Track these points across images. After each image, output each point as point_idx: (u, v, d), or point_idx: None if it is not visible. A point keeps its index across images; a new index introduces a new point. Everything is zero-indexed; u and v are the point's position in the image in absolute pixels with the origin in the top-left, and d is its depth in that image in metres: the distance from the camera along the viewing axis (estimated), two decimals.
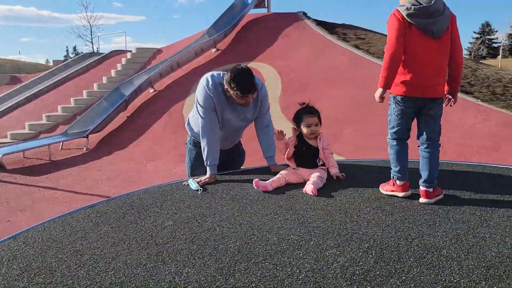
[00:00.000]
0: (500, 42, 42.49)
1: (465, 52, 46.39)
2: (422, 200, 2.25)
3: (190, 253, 1.77)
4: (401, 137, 2.33)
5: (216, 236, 1.93)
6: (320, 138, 2.75)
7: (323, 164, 2.74)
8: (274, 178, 2.68)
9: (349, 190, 2.49)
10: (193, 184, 2.73)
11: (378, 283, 1.45)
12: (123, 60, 14.65)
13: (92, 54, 18.45)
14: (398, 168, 2.32)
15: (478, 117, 6.48)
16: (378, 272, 1.52)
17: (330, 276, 1.52)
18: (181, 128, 9.24)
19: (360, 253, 1.67)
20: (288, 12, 14.63)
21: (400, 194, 2.31)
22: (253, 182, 2.61)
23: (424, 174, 2.27)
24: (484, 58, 44.54)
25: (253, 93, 2.79)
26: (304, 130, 2.73)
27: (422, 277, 1.46)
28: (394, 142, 2.34)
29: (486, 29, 50.49)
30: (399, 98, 2.25)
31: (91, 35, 36.66)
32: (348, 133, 7.17)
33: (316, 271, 1.56)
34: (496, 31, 50.35)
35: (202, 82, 2.89)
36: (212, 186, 2.73)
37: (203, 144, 2.88)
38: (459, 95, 6.62)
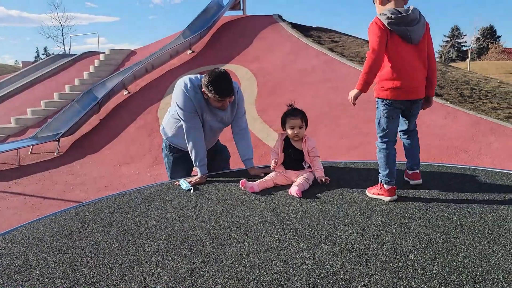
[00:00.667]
0: (469, 46, 43.95)
1: (436, 54, 47.73)
2: (414, 182, 2.52)
3: (165, 253, 1.80)
4: (392, 139, 2.41)
5: (194, 237, 1.96)
6: (305, 141, 2.76)
7: (310, 167, 2.75)
8: (262, 179, 2.70)
9: (334, 192, 2.53)
10: (184, 184, 2.75)
11: (340, 287, 1.46)
12: (96, 62, 14.36)
13: (63, 55, 18.01)
14: (387, 172, 2.36)
15: (448, 118, 6.67)
16: (342, 276, 1.53)
17: (295, 278, 1.53)
18: (156, 131, 9.13)
19: (330, 256, 1.69)
20: (263, 15, 14.69)
21: (387, 198, 2.33)
22: (240, 182, 2.63)
23: (413, 159, 2.53)
24: (454, 61, 45.93)
25: (230, 97, 2.81)
26: (289, 132, 2.75)
27: (384, 282, 1.48)
28: (384, 146, 2.40)
29: (455, 33, 52.06)
30: (390, 101, 2.33)
31: (63, 36, 35.80)
32: (321, 134, 7.25)
33: (283, 273, 1.58)
34: (465, 35, 51.96)
35: (179, 85, 2.88)
36: (202, 186, 2.79)
37: (190, 146, 2.88)
38: None
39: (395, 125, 2.41)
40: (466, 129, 6.28)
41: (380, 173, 2.39)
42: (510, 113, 6.79)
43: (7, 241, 2.03)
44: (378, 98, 2.38)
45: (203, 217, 2.21)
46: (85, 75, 13.66)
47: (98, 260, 1.76)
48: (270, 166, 2.84)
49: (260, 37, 12.60)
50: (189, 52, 13.01)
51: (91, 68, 14.01)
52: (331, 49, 10.76)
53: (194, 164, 2.89)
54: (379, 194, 2.38)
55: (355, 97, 2.35)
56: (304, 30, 12.61)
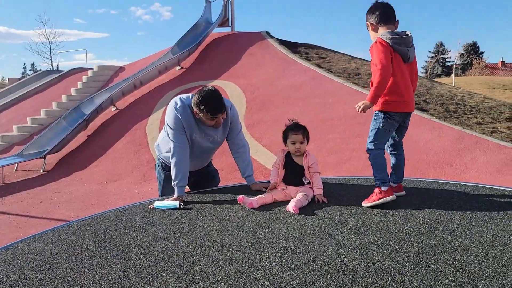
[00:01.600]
0: (453, 61, 44.91)
1: (421, 70, 48.65)
2: (400, 193, 2.71)
3: (156, 270, 1.80)
4: (384, 147, 2.67)
5: (186, 254, 1.96)
6: (306, 156, 2.78)
7: (310, 182, 2.75)
8: (261, 195, 2.70)
9: (331, 209, 2.52)
10: (162, 204, 2.73)
11: None
12: (84, 78, 14.30)
13: (51, 71, 17.92)
14: (383, 174, 2.55)
15: (433, 133, 6.77)
16: None
17: None
18: (144, 147, 9.08)
19: (316, 276, 1.67)
20: (251, 32, 14.86)
21: (389, 198, 2.50)
22: (238, 198, 2.64)
23: (400, 173, 2.75)
24: (439, 76, 46.77)
25: (222, 113, 2.80)
26: (290, 147, 2.79)
27: None
28: (379, 152, 2.59)
29: (440, 49, 53.16)
30: (392, 114, 2.55)
31: (50, 52, 35.58)
32: (310, 150, 7.27)
33: None
34: (449, 51, 53.08)
35: (170, 104, 2.90)
36: (202, 201, 2.83)
37: (173, 165, 2.86)
38: (416, 112, 6.92)
39: (388, 137, 2.67)
40: (452, 144, 6.37)
41: (376, 177, 2.55)
42: (494, 127, 6.92)
43: (8, 254, 2.07)
44: (381, 111, 2.56)
45: (198, 233, 2.21)
46: (73, 91, 13.58)
47: (90, 276, 1.77)
48: (268, 181, 2.86)
49: (248, 54, 12.72)
50: (178, 68, 13.05)
51: (79, 85, 13.94)
52: (318, 65, 10.90)
53: (173, 184, 2.85)
54: (380, 198, 2.50)
55: (366, 108, 2.52)
56: (292, 46, 12.78)
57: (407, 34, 2.54)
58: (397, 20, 2.61)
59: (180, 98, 2.89)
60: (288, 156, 2.83)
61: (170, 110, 2.86)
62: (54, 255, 2.02)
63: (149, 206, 2.75)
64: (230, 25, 15.91)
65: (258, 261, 1.83)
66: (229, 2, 15.82)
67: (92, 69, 15.27)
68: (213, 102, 2.73)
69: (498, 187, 2.87)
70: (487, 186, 2.93)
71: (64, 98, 13.15)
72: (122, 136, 9.90)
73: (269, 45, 13.06)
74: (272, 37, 13.81)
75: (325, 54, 12.48)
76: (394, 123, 2.58)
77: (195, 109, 2.77)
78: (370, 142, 2.59)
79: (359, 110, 2.51)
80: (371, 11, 2.64)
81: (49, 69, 30.75)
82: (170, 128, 2.83)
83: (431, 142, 6.53)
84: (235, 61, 12.45)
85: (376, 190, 2.53)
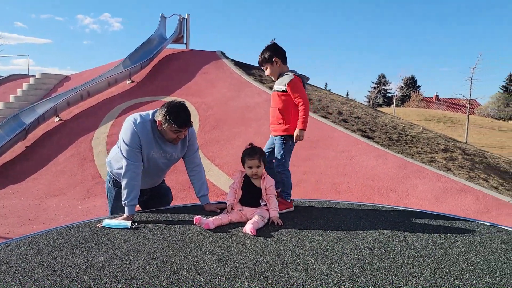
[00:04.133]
0: (394, 93, 47.82)
1: (364, 99, 51.32)
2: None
3: None
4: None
5: (144, 276, 1.89)
6: (264, 178, 2.82)
7: (266, 204, 2.79)
8: (218, 216, 2.68)
9: (287, 231, 2.56)
10: (111, 223, 2.62)
11: None
12: (25, 85, 13.52)
13: None
14: (290, 190, 3.15)
15: (379, 160, 7.13)
16: None
17: None
18: (89, 162, 8.69)
19: None
20: (206, 50, 14.94)
21: (292, 209, 3.10)
22: (194, 219, 2.59)
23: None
24: (380, 106, 49.62)
25: (187, 128, 2.79)
26: (247, 171, 2.83)
27: None
28: (288, 171, 3.16)
29: (382, 80, 56.55)
30: (294, 137, 3.10)
31: None
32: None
33: None
34: (390, 83, 56.60)
35: (128, 120, 2.82)
36: (154, 221, 2.75)
37: (124, 183, 2.76)
38: (363, 139, 7.22)
39: None
40: (395, 171, 6.75)
41: (286, 192, 3.12)
42: (432, 157, 7.44)
43: None
44: (289, 135, 3.11)
45: (154, 254, 2.15)
46: (11, 98, 12.77)
47: None
48: (222, 201, 2.90)
49: (202, 72, 12.74)
50: (128, 81, 12.75)
51: (19, 92, 13.14)
52: (271, 88, 11.14)
53: (123, 202, 2.76)
54: (287, 208, 3.06)
55: (303, 136, 3.11)
56: (247, 68, 12.99)
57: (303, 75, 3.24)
58: None
59: (139, 114, 2.84)
60: (246, 177, 2.87)
61: (127, 126, 2.78)
62: None
63: (97, 225, 2.61)
64: (185, 42, 15.91)
65: (221, 283, 1.82)
66: (185, 19, 15.86)
67: (34, 76, 14.49)
68: (182, 116, 2.72)
69: (437, 213, 3.15)
70: (427, 212, 3.18)
71: (1, 105, 12.32)
72: (65, 149, 9.41)
73: (223, 65, 13.19)
74: (227, 57, 13.97)
75: None
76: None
77: (160, 119, 2.73)
78: (283, 163, 3.13)
79: (300, 140, 3.08)
80: (277, 50, 3.19)
81: None
82: (126, 144, 2.76)
83: (376, 169, 6.87)
84: (189, 78, 12.40)
85: (285, 202, 3.08)
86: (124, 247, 2.24)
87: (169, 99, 10.77)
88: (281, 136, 3.12)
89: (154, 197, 3.20)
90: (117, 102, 11.41)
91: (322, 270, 1.97)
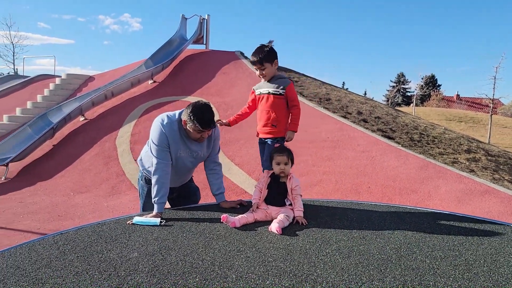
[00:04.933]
0: (413, 92, 47.12)
1: (383, 98, 50.71)
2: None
3: (149, 286, 1.80)
4: None
5: (178, 271, 1.96)
6: (290, 178, 2.88)
7: (291, 204, 2.85)
8: (243, 215, 2.75)
9: (312, 231, 2.62)
10: (141, 220, 2.72)
11: None
12: (51, 85, 13.93)
13: (13, 76, 17.29)
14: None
15: (400, 161, 7.12)
16: None
17: None
18: (114, 160, 8.92)
19: None
20: (225, 51, 15.08)
21: None
22: (221, 217, 2.67)
23: None
24: (399, 105, 48.91)
25: (210, 129, 2.88)
26: (275, 168, 2.89)
27: None
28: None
29: (401, 79, 55.72)
30: (286, 138, 3.23)
31: (13, 55, 34.12)
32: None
33: None
34: (410, 81, 55.70)
35: (156, 121, 2.94)
36: (183, 218, 2.82)
37: (154, 181, 2.88)
38: (383, 139, 7.24)
39: None
40: (416, 172, 6.73)
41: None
42: (454, 158, 7.38)
43: None
44: (282, 137, 3.21)
45: (185, 251, 2.22)
46: (39, 98, 13.18)
47: None
48: (236, 201, 3.06)
49: (222, 72, 12.88)
50: (150, 82, 12.99)
51: (46, 92, 13.55)
52: None
53: (153, 200, 2.87)
54: None
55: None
56: None
57: None
58: None
59: (166, 115, 2.96)
60: (273, 177, 2.95)
61: (155, 127, 2.90)
62: (35, 269, 1.96)
63: (127, 222, 2.72)
64: (204, 42, 16.09)
65: (252, 280, 1.88)
66: (205, 20, 16.04)
67: (60, 76, 14.90)
68: (206, 116, 2.81)
69: (461, 215, 3.14)
70: (452, 213, 3.17)
71: (29, 104, 12.73)
72: (90, 147, 9.68)
73: (242, 65, 13.30)
74: (245, 57, 14.07)
75: (297, 77, 12.85)
76: None
77: (185, 119, 2.82)
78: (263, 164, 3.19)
79: (290, 141, 3.21)
80: (276, 52, 3.19)
81: (11, 73, 29.51)
82: (155, 144, 2.88)
83: (397, 169, 6.87)
84: (208, 78, 12.56)
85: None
86: (155, 244, 2.32)
87: (189, 99, 10.95)
88: (275, 138, 3.22)
89: (182, 196, 3.31)
90: (139, 102, 11.66)
91: (350, 270, 2.02)
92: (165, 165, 2.89)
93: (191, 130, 2.85)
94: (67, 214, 6.50)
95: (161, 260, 2.08)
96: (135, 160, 8.23)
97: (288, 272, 1.98)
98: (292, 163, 2.95)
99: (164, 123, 2.89)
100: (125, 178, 8.06)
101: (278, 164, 2.88)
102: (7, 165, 8.88)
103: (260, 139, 3.37)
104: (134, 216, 2.81)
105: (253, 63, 3.22)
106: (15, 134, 10.15)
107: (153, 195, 2.87)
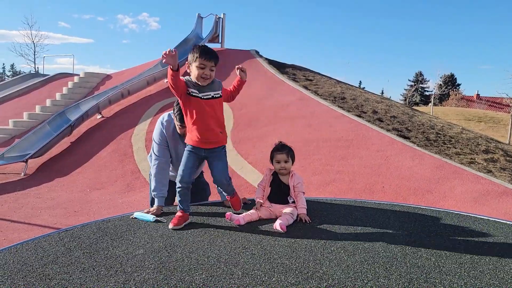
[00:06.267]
0: (432, 91, 46.37)
1: (401, 98, 50.02)
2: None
3: (156, 283, 1.81)
4: None
5: (184, 268, 1.99)
6: (292, 176, 2.90)
7: (294, 202, 2.87)
8: (248, 212, 2.79)
9: (317, 228, 2.63)
10: (143, 216, 2.77)
11: None
12: (70, 84, 14.20)
13: (34, 74, 17.68)
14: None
15: (415, 161, 7.02)
16: None
17: None
18: (129, 157, 9.05)
19: None
20: (241, 49, 15.12)
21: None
22: (225, 215, 2.71)
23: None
24: (417, 104, 48.17)
25: (214, 60, 2.65)
26: (275, 166, 2.93)
27: None
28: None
29: (419, 78, 54.86)
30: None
31: (34, 54, 34.90)
32: (294, 170, 7.43)
33: None
34: (428, 80, 54.80)
35: (158, 119, 3.10)
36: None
37: (151, 176, 3.02)
38: (399, 139, 7.15)
39: None
40: (432, 172, 6.63)
41: (234, 191, 2.95)
42: (472, 158, 7.24)
43: None
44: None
45: (191, 248, 2.24)
46: (58, 96, 13.45)
47: None
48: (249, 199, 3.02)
49: None
50: (166, 80, 13.11)
51: (64, 90, 13.82)
52: (305, 87, 11.16)
53: (153, 195, 2.97)
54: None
55: None
56: (280, 66, 13.06)
57: None
58: None
59: (168, 113, 3.10)
60: (275, 175, 2.95)
61: (157, 125, 3.08)
62: (42, 265, 1.98)
63: (130, 217, 2.82)
64: (220, 41, 16.17)
65: (258, 277, 1.89)
66: (221, 19, 16.10)
67: (78, 75, 15.19)
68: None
69: (475, 215, 3.09)
70: (464, 213, 3.13)
71: (48, 102, 13.00)
72: (106, 145, 9.84)
73: (257, 63, 13.31)
74: (260, 56, 14.08)
75: (312, 76, 12.80)
76: None
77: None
78: (227, 171, 2.80)
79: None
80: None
81: (32, 71, 30.18)
82: (155, 141, 3.06)
83: (412, 169, 6.78)
84: (223, 77, 12.60)
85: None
86: (161, 240, 2.35)
87: None
88: (223, 146, 2.83)
89: (192, 191, 3.35)
90: (155, 100, 11.79)
91: (356, 267, 2.02)
92: (162, 162, 3.02)
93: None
94: (83, 209, 6.63)
95: (167, 257, 2.10)
96: None
97: (293, 269, 1.99)
98: (293, 160, 2.95)
99: (163, 121, 3.05)
100: (140, 175, 8.17)
101: (278, 162, 2.91)
102: (26, 161, 9.09)
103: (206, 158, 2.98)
104: (137, 211, 2.88)
105: (211, 59, 2.68)
106: (34, 131, 10.40)
107: (151, 189, 3.01)
